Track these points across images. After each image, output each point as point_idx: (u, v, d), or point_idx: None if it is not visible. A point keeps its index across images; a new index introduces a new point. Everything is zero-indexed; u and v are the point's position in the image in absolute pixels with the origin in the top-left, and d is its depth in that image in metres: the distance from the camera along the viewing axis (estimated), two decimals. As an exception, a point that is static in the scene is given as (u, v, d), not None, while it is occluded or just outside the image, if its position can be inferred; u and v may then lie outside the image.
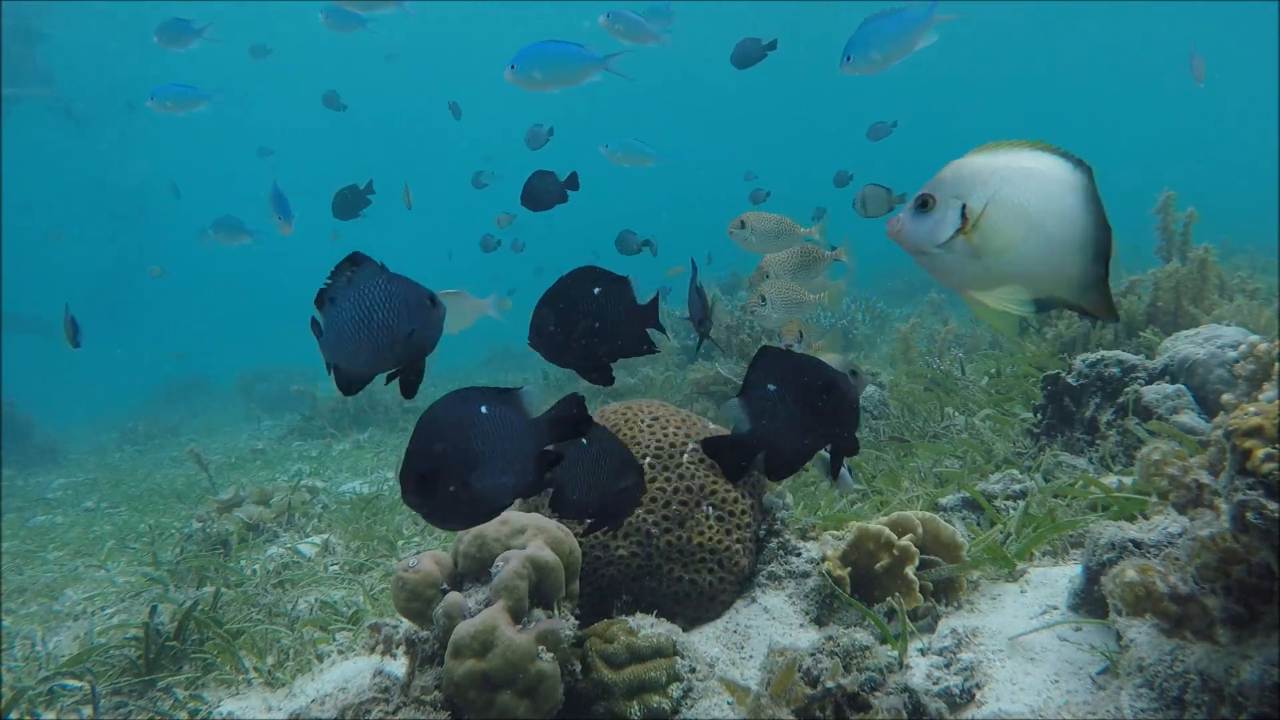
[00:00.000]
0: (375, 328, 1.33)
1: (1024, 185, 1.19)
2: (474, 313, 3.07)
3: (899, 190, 3.34)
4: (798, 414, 1.44)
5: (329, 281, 1.32)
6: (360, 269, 1.33)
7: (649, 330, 1.64)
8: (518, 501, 2.31)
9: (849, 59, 3.11)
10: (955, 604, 1.94)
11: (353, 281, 1.33)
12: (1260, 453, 1.10)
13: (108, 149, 22.57)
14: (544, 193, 3.21)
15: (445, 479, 1.24)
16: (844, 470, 2.12)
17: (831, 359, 1.72)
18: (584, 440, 1.57)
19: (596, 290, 1.56)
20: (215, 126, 23.55)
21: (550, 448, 1.36)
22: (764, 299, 2.86)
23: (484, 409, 1.28)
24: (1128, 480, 2.19)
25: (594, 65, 3.54)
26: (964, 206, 1.21)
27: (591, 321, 1.56)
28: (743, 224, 2.89)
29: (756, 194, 6.25)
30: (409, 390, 1.41)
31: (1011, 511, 2.35)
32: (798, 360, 1.48)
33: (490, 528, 1.71)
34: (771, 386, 1.47)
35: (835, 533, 2.22)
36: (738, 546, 2.08)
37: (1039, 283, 1.22)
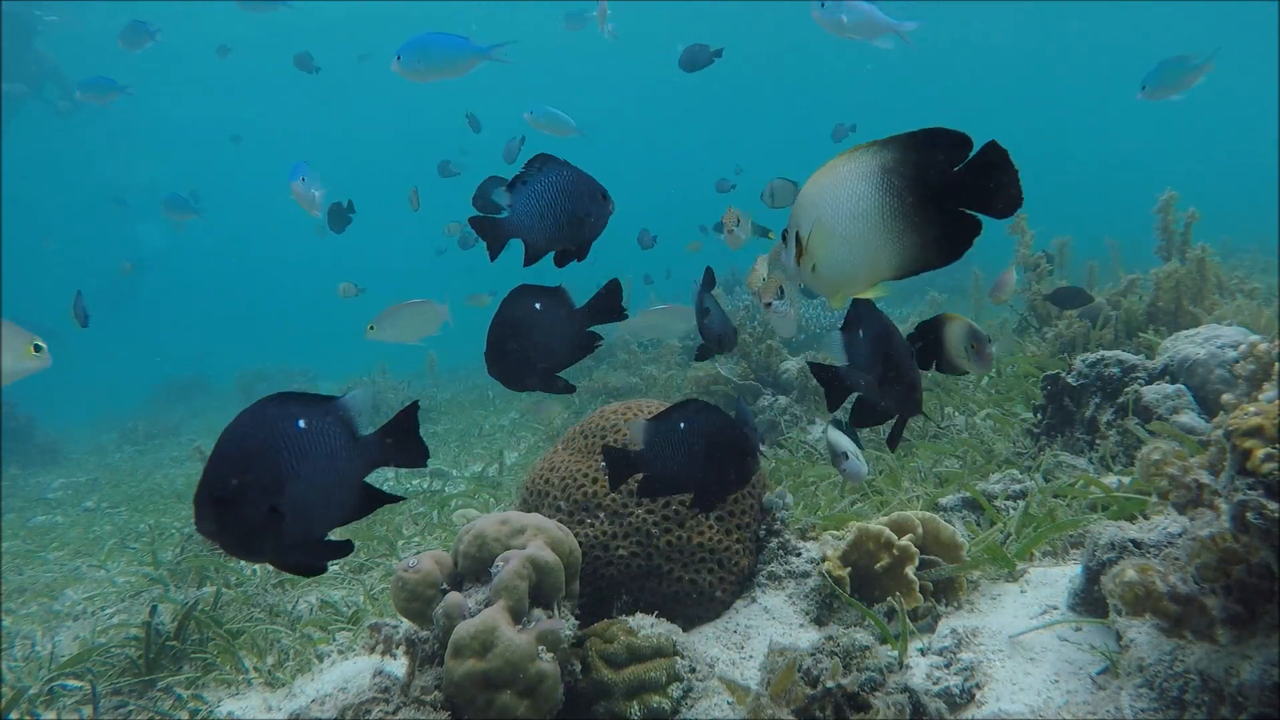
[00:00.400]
0: (559, 207, 1.54)
1: (829, 198, 1.29)
2: (439, 318, 3.10)
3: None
4: (869, 371, 1.48)
5: (523, 170, 1.54)
6: (549, 163, 1.55)
7: (615, 321, 1.68)
8: (517, 501, 2.32)
9: (822, 5, 3.26)
10: (955, 604, 1.94)
11: (543, 170, 1.54)
12: (1260, 453, 1.10)
13: (105, 149, 22.59)
14: (495, 197, 3.43)
15: (248, 504, 1.10)
16: (852, 459, 2.04)
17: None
18: (681, 423, 1.56)
19: (536, 306, 1.58)
20: (216, 126, 23.58)
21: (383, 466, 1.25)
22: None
23: (301, 423, 1.15)
24: (1128, 480, 2.19)
25: (478, 56, 3.68)
26: (798, 234, 1.35)
27: (539, 339, 1.59)
28: (738, 220, 2.88)
29: (722, 184, 6.28)
30: (577, 258, 1.61)
31: (1011, 511, 2.35)
32: (879, 322, 1.48)
33: (490, 527, 1.71)
34: (861, 333, 1.48)
35: (835, 533, 2.22)
36: (738, 546, 2.08)
37: (865, 274, 1.32)
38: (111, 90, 6.72)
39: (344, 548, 1.23)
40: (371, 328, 3.18)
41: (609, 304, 1.67)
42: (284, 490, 1.11)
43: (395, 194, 5.42)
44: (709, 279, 2.01)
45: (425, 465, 1.27)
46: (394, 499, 1.27)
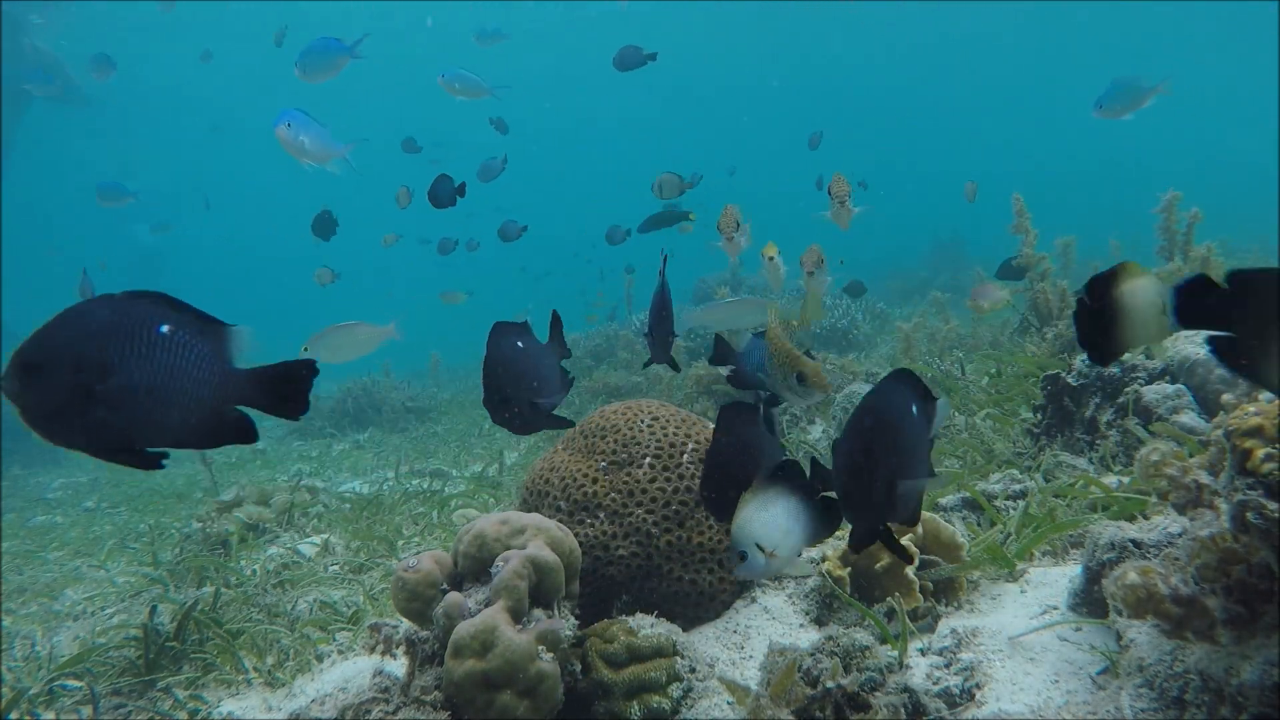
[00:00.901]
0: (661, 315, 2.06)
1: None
2: (374, 340, 3.17)
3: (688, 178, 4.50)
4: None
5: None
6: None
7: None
8: (517, 501, 2.31)
9: None
10: (955, 604, 1.94)
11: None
12: (1260, 453, 1.09)
13: (106, 150, 22.59)
14: (443, 193, 3.93)
15: (58, 381, 1.03)
16: (751, 560, 1.43)
17: (1145, 282, 1.49)
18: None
19: (519, 344, 1.63)
20: (214, 126, 23.60)
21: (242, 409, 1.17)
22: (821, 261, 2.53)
23: (164, 328, 1.09)
24: (1127, 480, 2.19)
25: (345, 54, 4.03)
26: None
27: (530, 374, 1.63)
28: (738, 225, 2.77)
29: (694, 177, 6.43)
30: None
31: (1011, 511, 2.35)
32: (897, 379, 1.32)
33: (490, 527, 1.71)
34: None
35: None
36: (738, 546, 2.08)
37: None
38: (49, 82, 8.31)
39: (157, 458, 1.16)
40: (305, 349, 3.19)
41: (559, 336, 1.77)
42: (108, 382, 1.05)
43: (387, 190, 5.48)
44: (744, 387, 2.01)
45: (298, 418, 1.22)
46: (249, 438, 1.19)
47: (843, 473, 1.24)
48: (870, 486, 1.22)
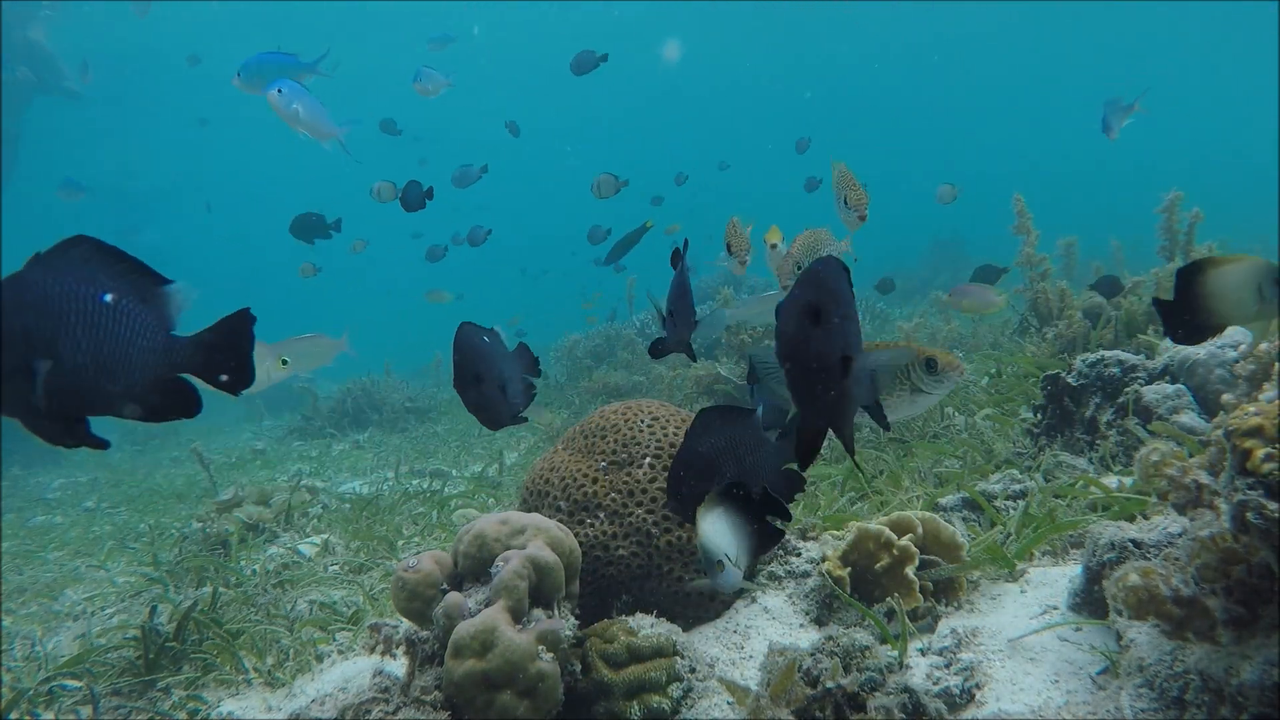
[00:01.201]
0: (677, 293, 1.95)
1: None
2: (331, 351, 3.24)
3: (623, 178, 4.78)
4: None
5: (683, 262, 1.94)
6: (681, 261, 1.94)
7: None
8: (516, 501, 2.31)
9: None
10: (955, 604, 1.94)
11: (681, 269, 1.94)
12: (1260, 453, 1.09)
13: (107, 151, 22.58)
14: (413, 198, 4.19)
15: (7, 352, 1.01)
16: (729, 570, 1.42)
17: (1246, 265, 1.41)
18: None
19: (485, 339, 1.66)
20: (214, 126, 23.59)
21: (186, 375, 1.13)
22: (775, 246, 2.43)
23: (107, 297, 1.07)
24: (1128, 480, 2.19)
25: (305, 70, 4.04)
26: None
27: (499, 368, 1.67)
28: (748, 246, 2.66)
29: (682, 176, 6.59)
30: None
31: (1011, 511, 2.35)
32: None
33: (490, 527, 1.71)
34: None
35: (835, 533, 2.22)
36: (738, 546, 2.07)
37: None
38: (20, 80, 8.92)
39: (101, 442, 1.15)
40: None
41: (527, 356, 1.82)
42: (52, 353, 1.03)
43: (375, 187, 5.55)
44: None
45: (237, 392, 1.17)
46: (193, 409, 1.16)
47: (790, 341, 0.99)
48: (824, 359, 0.98)
